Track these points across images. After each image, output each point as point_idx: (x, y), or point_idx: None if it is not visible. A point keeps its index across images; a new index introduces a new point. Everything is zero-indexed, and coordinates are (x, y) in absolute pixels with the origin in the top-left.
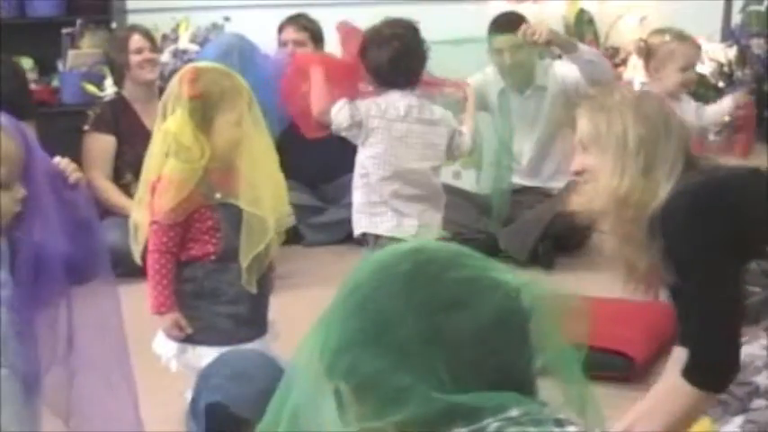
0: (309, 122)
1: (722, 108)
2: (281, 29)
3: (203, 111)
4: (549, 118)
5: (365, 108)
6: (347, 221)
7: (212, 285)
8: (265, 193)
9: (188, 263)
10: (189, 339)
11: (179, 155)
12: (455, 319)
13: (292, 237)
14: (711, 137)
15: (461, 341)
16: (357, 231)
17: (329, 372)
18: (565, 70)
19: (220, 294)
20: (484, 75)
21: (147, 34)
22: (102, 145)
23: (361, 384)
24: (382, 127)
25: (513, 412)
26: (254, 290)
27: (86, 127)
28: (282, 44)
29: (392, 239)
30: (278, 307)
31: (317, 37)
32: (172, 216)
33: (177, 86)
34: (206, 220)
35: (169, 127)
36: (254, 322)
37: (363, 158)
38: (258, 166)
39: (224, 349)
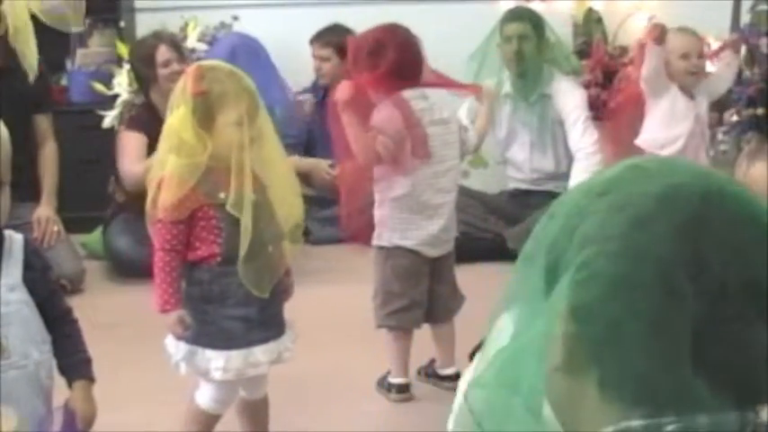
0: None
1: (725, 72)
2: (311, 42)
3: (205, 109)
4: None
5: (385, 125)
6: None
7: (220, 288)
8: (275, 192)
9: (195, 265)
10: (198, 342)
11: (180, 151)
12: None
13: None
14: (722, 146)
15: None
16: (375, 242)
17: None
18: (561, 100)
19: (229, 297)
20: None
21: (174, 43)
22: (135, 141)
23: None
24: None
25: (702, 419)
26: (264, 294)
27: (121, 127)
28: (314, 58)
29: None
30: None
31: (342, 50)
32: (174, 213)
33: (183, 84)
34: (210, 219)
35: (172, 123)
36: (267, 324)
37: (388, 172)
38: (268, 169)
39: (233, 353)
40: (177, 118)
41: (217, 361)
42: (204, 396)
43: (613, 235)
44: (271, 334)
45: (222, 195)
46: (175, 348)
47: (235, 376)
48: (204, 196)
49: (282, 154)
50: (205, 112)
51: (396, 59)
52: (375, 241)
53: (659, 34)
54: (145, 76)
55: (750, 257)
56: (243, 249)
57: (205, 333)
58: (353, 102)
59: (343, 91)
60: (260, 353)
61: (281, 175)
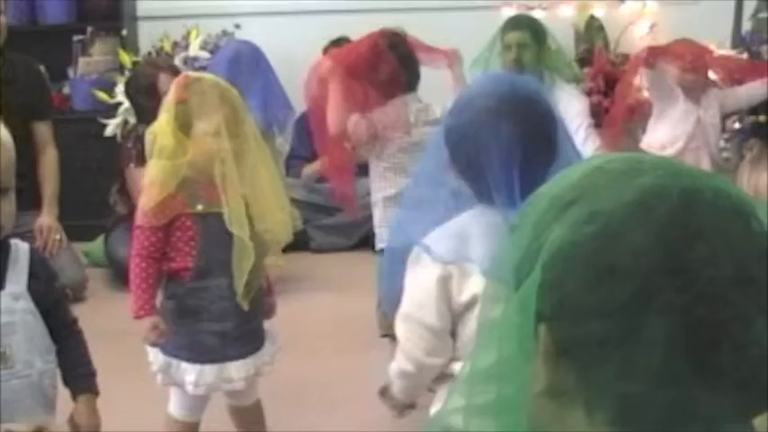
0: (326, 140)
1: (758, 88)
2: (325, 51)
3: (185, 116)
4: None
5: (377, 119)
6: (361, 224)
7: (194, 303)
8: (257, 208)
9: (171, 278)
10: (174, 354)
11: (161, 153)
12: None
13: (300, 242)
14: (724, 153)
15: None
16: (380, 245)
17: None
18: (563, 108)
19: (203, 312)
20: None
21: (173, 69)
22: None
23: (567, 339)
24: (397, 136)
25: None
26: (245, 307)
27: (131, 164)
28: None
29: None
30: (285, 316)
31: None
32: (153, 219)
33: (171, 93)
34: (186, 230)
35: (153, 129)
36: (244, 339)
37: (382, 171)
38: (250, 183)
39: (207, 367)
40: (158, 124)
41: (190, 375)
42: (174, 405)
43: (584, 253)
44: (248, 349)
45: (200, 207)
46: (154, 359)
47: (206, 391)
48: (183, 205)
49: (269, 170)
50: (185, 120)
51: (394, 73)
52: (378, 244)
53: (649, 59)
54: (147, 107)
55: (740, 251)
56: (239, 267)
57: (181, 346)
58: (340, 73)
59: (325, 62)
60: (234, 369)
61: (264, 190)
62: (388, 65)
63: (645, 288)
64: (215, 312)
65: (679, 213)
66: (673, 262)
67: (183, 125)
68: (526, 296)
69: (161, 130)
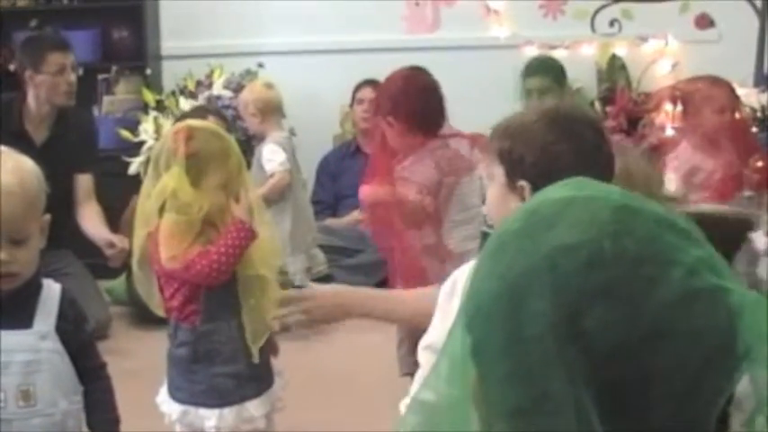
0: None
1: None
2: (357, 88)
3: (196, 170)
4: None
5: (421, 178)
6: (383, 263)
7: (206, 348)
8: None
9: (179, 325)
10: (191, 402)
11: (179, 210)
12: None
13: (323, 282)
14: (746, 192)
15: (610, 348)
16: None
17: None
18: None
19: (216, 355)
20: None
21: (219, 114)
22: None
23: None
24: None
25: None
26: (256, 358)
27: None
28: (358, 102)
29: None
30: (307, 355)
31: None
32: (173, 263)
33: (172, 143)
34: None
35: (167, 183)
36: (257, 378)
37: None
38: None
39: (225, 410)
40: (172, 178)
41: (209, 420)
42: None
43: (492, 312)
44: (263, 386)
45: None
46: (169, 408)
47: None
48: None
49: (260, 214)
50: (196, 174)
51: (418, 110)
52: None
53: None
54: None
55: (649, 307)
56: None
57: (196, 392)
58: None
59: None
60: (253, 407)
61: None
62: (419, 100)
63: (548, 355)
64: (228, 354)
65: (583, 274)
66: (572, 327)
67: (195, 177)
68: (460, 345)
69: (178, 185)
